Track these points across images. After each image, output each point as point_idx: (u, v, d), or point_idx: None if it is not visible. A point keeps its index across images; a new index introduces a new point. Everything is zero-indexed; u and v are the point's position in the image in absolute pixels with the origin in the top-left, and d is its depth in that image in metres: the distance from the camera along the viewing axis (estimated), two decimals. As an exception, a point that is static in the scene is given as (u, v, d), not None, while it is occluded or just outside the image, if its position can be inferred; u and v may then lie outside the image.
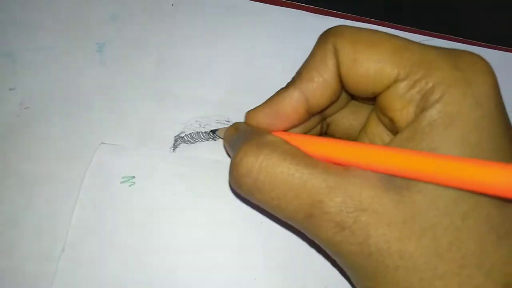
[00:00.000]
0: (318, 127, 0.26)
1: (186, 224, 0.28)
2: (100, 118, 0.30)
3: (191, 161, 0.30)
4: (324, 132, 0.27)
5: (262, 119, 0.23)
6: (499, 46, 0.36)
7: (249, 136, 0.22)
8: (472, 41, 0.36)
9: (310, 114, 0.23)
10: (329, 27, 0.34)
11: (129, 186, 0.29)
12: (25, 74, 0.31)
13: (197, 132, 0.30)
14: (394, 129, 0.21)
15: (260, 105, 0.24)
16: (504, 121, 0.19)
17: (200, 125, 0.31)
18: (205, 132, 0.30)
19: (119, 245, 0.27)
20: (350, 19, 0.36)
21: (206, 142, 0.30)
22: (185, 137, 0.30)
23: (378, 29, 0.21)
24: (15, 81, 0.30)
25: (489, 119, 0.18)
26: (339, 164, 0.20)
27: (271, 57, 0.34)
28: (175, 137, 0.30)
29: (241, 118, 0.31)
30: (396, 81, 0.19)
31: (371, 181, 0.18)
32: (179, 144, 0.30)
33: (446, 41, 0.36)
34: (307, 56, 0.33)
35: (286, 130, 0.23)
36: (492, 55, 0.35)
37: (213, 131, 0.30)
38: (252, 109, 0.24)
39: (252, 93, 0.32)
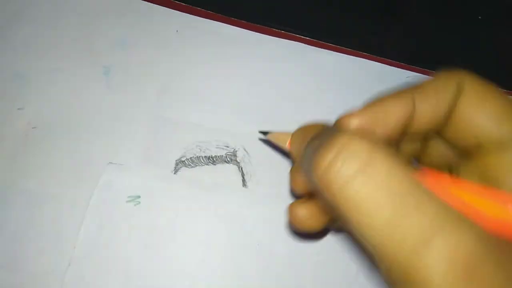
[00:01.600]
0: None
1: (187, 243, 0.30)
2: (105, 140, 0.32)
3: (193, 183, 0.31)
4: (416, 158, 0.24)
5: (359, 124, 0.20)
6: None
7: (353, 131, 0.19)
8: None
9: (406, 131, 0.21)
10: (326, 58, 0.37)
11: (134, 205, 0.30)
12: (33, 94, 0.32)
13: (197, 157, 0.32)
14: (489, 181, 0.19)
15: (358, 110, 0.21)
16: None
17: (200, 149, 0.32)
18: (204, 156, 0.32)
19: (124, 262, 0.29)
20: (345, 53, 0.38)
21: (206, 166, 0.32)
22: (185, 161, 0.32)
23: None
24: (24, 101, 0.32)
25: None
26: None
27: (269, 85, 0.36)
28: (176, 161, 0.32)
29: (240, 144, 0.33)
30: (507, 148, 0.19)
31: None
32: (180, 167, 0.32)
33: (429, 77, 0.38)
34: (303, 86, 0.36)
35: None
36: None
37: (264, 133, 0.29)
38: (347, 114, 0.21)
39: (250, 120, 0.34)
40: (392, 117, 0.20)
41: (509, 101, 0.20)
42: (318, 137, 0.20)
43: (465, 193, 0.17)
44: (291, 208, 0.24)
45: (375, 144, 0.16)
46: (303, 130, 0.23)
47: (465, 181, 0.19)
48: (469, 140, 0.20)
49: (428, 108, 0.20)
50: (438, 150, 0.23)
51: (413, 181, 0.15)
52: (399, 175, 0.15)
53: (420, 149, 0.23)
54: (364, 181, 0.15)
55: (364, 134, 0.17)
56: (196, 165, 0.32)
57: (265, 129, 0.30)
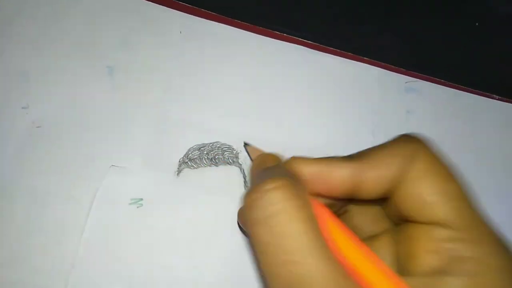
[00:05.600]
0: (338, 205, 0.24)
1: (189, 244, 0.30)
2: (108, 140, 0.32)
3: (195, 185, 0.32)
4: (338, 214, 0.25)
5: (306, 172, 0.21)
6: (477, 91, 0.40)
7: (290, 174, 0.21)
8: (454, 84, 0.40)
9: (351, 196, 0.22)
10: (326, 62, 0.37)
11: (137, 207, 0.30)
12: (37, 93, 0.32)
13: (200, 158, 0.32)
14: (405, 262, 0.20)
15: (311, 159, 0.22)
16: None
17: (203, 151, 0.33)
18: (207, 158, 0.32)
19: (126, 264, 0.29)
20: (345, 57, 0.39)
21: (208, 167, 0.32)
22: (189, 162, 0.32)
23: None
24: (28, 100, 0.32)
25: None
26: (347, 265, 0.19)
27: (271, 88, 0.36)
28: (179, 161, 0.32)
29: (242, 146, 0.33)
30: (441, 224, 0.19)
31: None
32: (183, 168, 0.32)
33: (430, 83, 0.39)
34: (304, 89, 0.36)
35: (318, 196, 0.22)
36: (471, 100, 0.39)
37: (245, 144, 0.31)
38: (300, 157, 0.22)
39: (252, 122, 0.34)
40: (332, 177, 0.21)
41: (454, 181, 0.20)
42: (264, 171, 0.23)
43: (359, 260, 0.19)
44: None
45: (290, 198, 0.19)
46: (262, 157, 0.25)
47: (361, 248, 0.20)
48: (407, 215, 0.21)
49: (374, 178, 0.21)
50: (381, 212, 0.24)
51: (306, 240, 0.18)
52: (294, 233, 0.18)
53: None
54: (263, 229, 0.19)
55: (295, 184, 0.19)
56: (199, 166, 0.32)
57: (264, 130, 0.34)
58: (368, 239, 0.23)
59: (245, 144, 0.31)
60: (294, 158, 0.22)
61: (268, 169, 0.23)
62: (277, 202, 0.19)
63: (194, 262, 0.30)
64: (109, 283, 0.28)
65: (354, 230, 0.23)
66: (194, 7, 0.37)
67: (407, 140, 0.21)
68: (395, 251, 0.21)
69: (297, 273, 0.18)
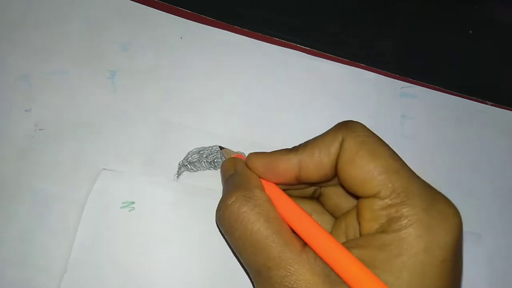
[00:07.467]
0: (311, 190, 0.28)
1: (182, 249, 0.31)
2: (108, 143, 0.32)
3: (189, 189, 0.32)
4: (316, 198, 0.29)
5: (258, 166, 0.26)
6: (470, 97, 0.41)
7: (242, 183, 0.25)
8: (448, 90, 0.41)
9: (299, 181, 0.25)
10: (323, 67, 0.38)
11: (129, 211, 0.31)
12: (40, 96, 0.33)
13: (199, 161, 0.33)
14: (360, 230, 0.24)
15: (262, 153, 0.26)
16: (450, 278, 0.21)
17: (202, 154, 0.33)
18: (207, 161, 0.33)
19: (117, 267, 0.29)
20: (341, 62, 0.39)
21: (207, 171, 0.33)
22: (188, 165, 0.33)
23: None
24: (31, 103, 0.32)
25: (433, 269, 0.20)
26: (301, 236, 0.23)
27: (269, 92, 0.37)
28: (179, 164, 0.33)
29: (241, 150, 0.34)
30: (375, 196, 0.22)
31: (315, 269, 0.21)
32: (182, 171, 0.33)
33: (425, 88, 0.40)
34: (302, 94, 0.37)
35: (277, 184, 0.26)
36: (462, 104, 0.40)
37: (221, 148, 0.33)
38: (254, 153, 0.27)
39: (251, 126, 0.35)
40: (277, 167, 0.25)
41: (380, 156, 0.23)
42: (225, 182, 0.28)
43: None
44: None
45: (241, 207, 0.24)
46: (224, 165, 0.29)
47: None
48: (352, 192, 0.24)
49: (312, 165, 0.24)
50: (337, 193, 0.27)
51: (260, 235, 0.23)
52: (250, 233, 0.23)
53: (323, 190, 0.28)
54: (231, 237, 0.24)
55: (245, 191, 0.24)
56: (198, 169, 0.33)
57: (262, 135, 0.35)
58: (344, 214, 0.27)
59: (221, 148, 0.33)
60: (250, 154, 0.27)
61: (226, 181, 0.27)
62: (233, 215, 0.24)
63: (188, 266, 0.30)
64: (100, 287, 0.29)
65: (334, 208, 0.28)
66: (195, 13, 0.38)
67: (339, 127, 0.24)
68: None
69: (262, 262, 0.22)
